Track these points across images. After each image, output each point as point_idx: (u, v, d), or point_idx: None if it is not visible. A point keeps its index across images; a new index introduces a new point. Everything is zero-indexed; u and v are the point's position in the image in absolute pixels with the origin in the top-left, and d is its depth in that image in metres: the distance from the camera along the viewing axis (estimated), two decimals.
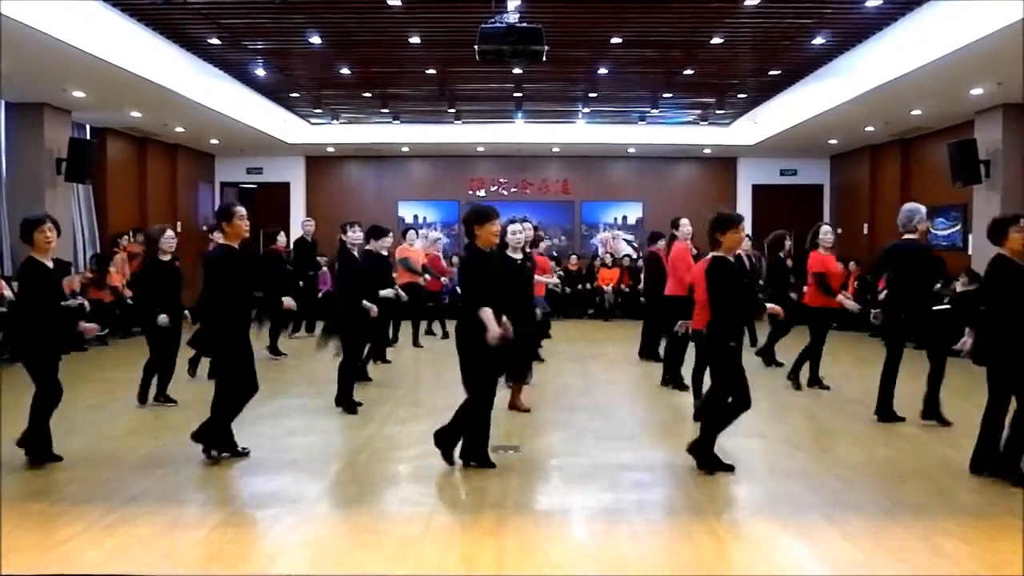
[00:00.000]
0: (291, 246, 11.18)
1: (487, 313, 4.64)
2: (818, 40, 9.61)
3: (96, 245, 12.53)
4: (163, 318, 6.50)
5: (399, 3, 8.30)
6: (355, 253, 6.83)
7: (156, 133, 13.70)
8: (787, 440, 5.71)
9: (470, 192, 16.84)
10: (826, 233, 7.43)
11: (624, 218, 16.73)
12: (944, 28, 8.05)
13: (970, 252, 11.41)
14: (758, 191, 16.71)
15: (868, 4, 8.30)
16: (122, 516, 4.03)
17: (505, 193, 16.90)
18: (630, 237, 16.63)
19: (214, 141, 14.89)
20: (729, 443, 5.63)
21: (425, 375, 8.52)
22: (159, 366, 6.69)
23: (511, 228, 5.96)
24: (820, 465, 5.06)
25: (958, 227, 12.10)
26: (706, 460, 4.79)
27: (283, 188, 16.82)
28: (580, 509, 4.25)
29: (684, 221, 7.95)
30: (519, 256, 6.13)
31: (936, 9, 8.17)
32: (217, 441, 5.03)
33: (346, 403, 6.44)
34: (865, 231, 14.70)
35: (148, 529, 3.87)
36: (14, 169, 10.85)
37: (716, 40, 9.60)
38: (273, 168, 16.75)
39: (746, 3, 8.28)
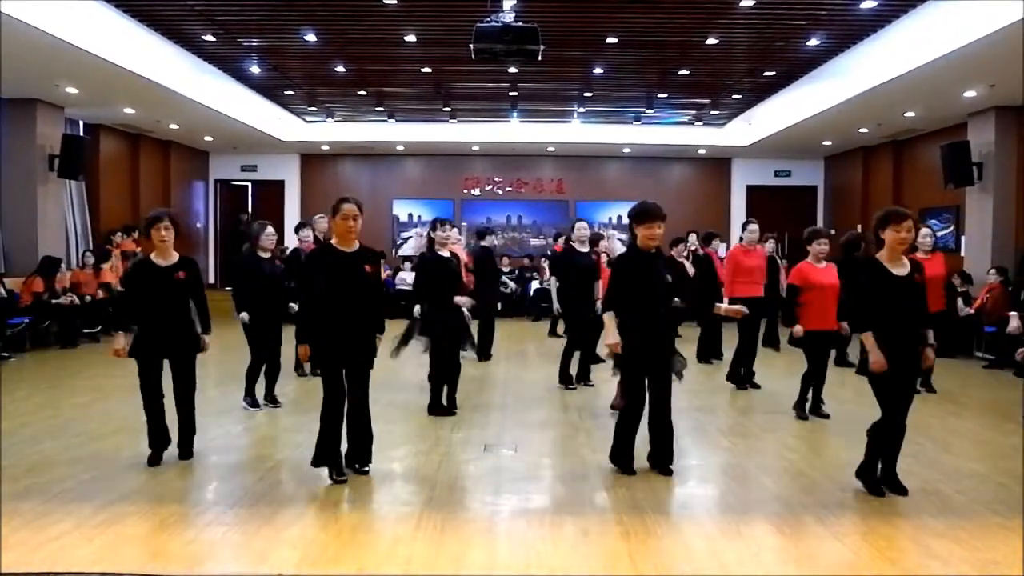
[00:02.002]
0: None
1: (609, 318, 4.58)
2: (812, 42, 9.64)
3: (89, 242, 12.49)
4: (244, 316, 6.30)
5: (394, 1, 8.30)
6: (442, 253, 6.41)
7: (150, 130, 13.66)
8: (779, 441, 5.73)
9: (464, 191, 16.87)
10: (924, 236, 7.23)
11: (619, 218, 16.74)
12: (938, 31, 8.09)
13: (963, 254, 11.47)
14: (752, 192, 16.77)
15: (862, 6, 8.34)
16: (112, 514, 4.01)
17: (500, 192, 16.93)
18: (624, 237, 16.65)
19: (208, 138, 14.85)
20: (723, 442, 5.66)
21: (414, 375, 8.51)
22: (260, 367, 6.47)
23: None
24: (811, 466, 5.08)
25: (951, 229, 12.15)
26: (870, 484, 4.43)
27: (277, 186, 16.81)
28: (572, 508, 4.25)
29: (753, 227, 7.75)
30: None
31: (930, 12, 8.21)
32: (319, 456, 4.56)
33: (436, 409, 6.35)
34: (858, 231, 14.76)
35: (138, 528, 3.86)
36: (6, 165, 10.82)
37: (711, 41, 9.62)
38: (267, 166, 16.72)
39: (741, 4, 8.30)
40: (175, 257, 4.93)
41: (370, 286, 4.56)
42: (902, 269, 4.29)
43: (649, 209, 4.58)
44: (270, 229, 6.54)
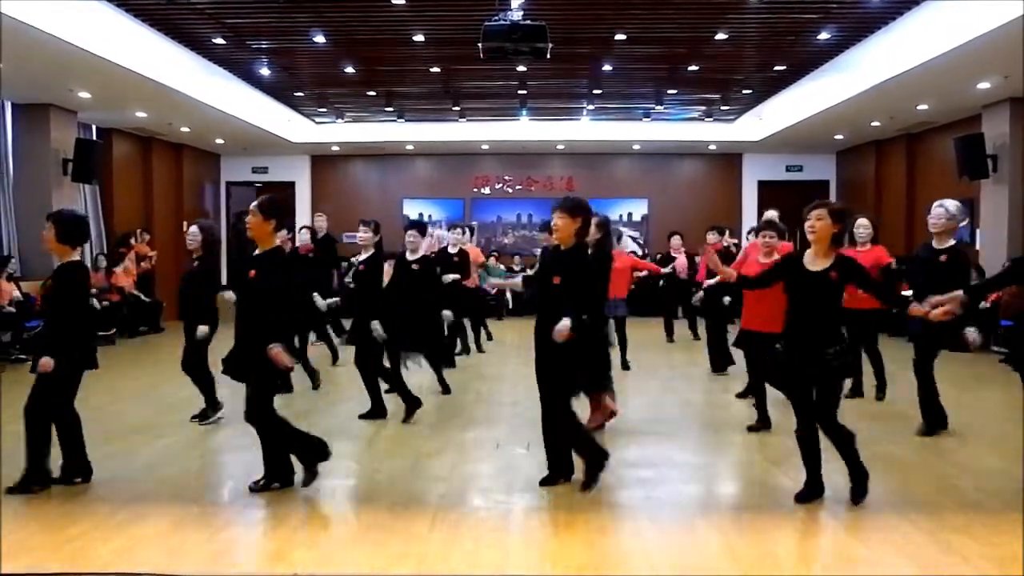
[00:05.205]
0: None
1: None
2: (823, 35, 9.57)
3: (103, 245, 12.59)
4: (202, 329, 5.76)
5: (403, 1, 8.31)
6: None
7: (161, 133, 13.73)
8: (790, 435, 5.68)
9: (475, 190, 16.87)
10: (859, 227, 6.80)
11: (629, 215, 16.71)
12: (950, 22, 8.02)
13: (978, 247, 11.37)
14: (764, 187, 16.65)
15: None
16: (129, 515, 4.04)
17: (510, 191, 16.92)
18: (635, 234, 16.59)
19: (219, 141, 14.92)
20: (735, 437, 5.63)
21: (420, 376, 8.52)
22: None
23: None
24: (825, 460, 5.04)
25: (965, 222, 12.04)
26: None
27: (288, 187, 16.86)
28: (585, 507, 4.24)
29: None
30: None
31: (942, 3, 8.13)
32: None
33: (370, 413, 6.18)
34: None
35: (155, 527, 3.88)
36: (21, 170, 10.91)
37: (721, 36, 9.57)
38: (278, 167, 16.78)
39: None
40: (56, 263, 4.37)
41: (254, 294, 4.23)
42: (820, 264, 4.10)
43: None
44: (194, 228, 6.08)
